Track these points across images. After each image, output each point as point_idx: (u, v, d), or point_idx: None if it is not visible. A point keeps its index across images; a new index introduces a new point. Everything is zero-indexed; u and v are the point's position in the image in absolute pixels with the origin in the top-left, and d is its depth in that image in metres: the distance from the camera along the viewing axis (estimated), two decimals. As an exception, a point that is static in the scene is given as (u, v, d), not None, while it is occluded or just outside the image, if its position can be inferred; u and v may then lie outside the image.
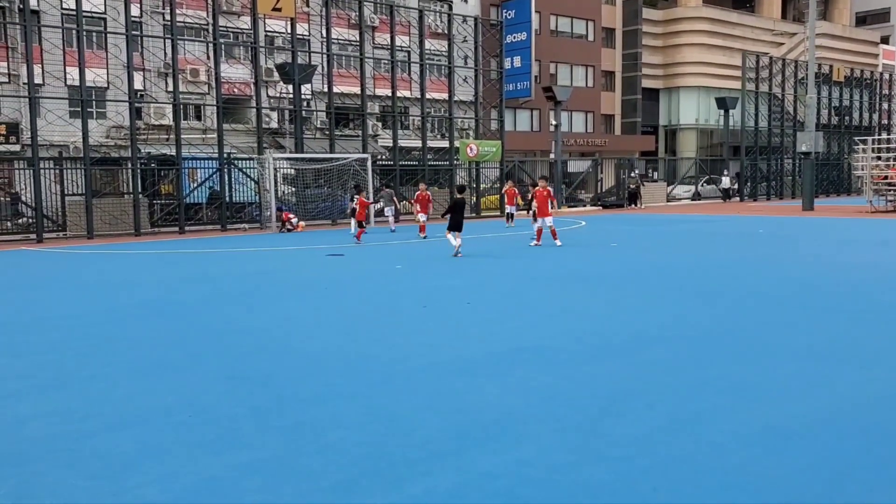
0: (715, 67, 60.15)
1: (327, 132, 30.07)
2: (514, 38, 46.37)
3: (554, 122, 36.94)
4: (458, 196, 17.89)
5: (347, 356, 7.36)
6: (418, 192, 22.97)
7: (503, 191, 27.69)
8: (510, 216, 26.82)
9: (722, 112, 45.49)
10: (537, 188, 18.67)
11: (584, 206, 39.01)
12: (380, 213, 25.54)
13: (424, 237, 21.05)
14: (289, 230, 24.96)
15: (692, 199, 44.77)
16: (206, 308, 10.46)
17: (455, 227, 16.10)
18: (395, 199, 26.35)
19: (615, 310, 9.73)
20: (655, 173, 48.14)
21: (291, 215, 25.43)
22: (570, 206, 35.05)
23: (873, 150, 30.39)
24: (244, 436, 5.15)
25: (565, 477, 4.36)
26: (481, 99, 34.17)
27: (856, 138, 34.06)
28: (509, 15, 46.53)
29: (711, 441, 4.89)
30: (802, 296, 10.47)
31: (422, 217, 21.92)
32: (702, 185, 46.23)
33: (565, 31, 53.10)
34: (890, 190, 29.85)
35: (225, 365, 7.12)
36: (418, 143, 31.73)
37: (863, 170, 30.66)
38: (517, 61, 46.76)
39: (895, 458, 4.56)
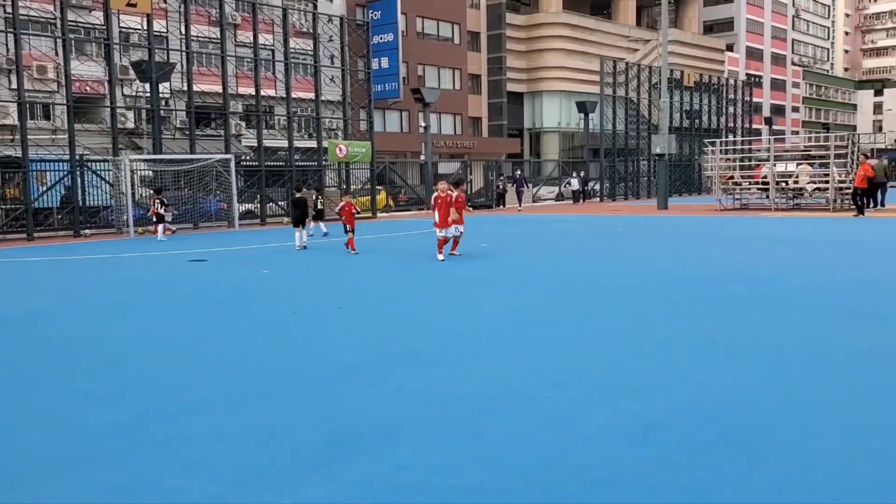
0: (575, 72, 62.40)
1: (188, 132, 28.98)
2: (382, 38, 46.39)
3: (423, 124, 37.17)
4: (297, 195, 19.62)
5: (215, 366, 7.08)
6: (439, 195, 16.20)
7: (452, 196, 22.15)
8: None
9: (582, 115, 47.16)
10: (437, 193, 15.49)
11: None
12: (161, 219, 22.87)
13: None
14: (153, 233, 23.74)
15: (556, 200, 46.18)
16: (60, 319, 9.82)
17: (297, 222, 18.58)
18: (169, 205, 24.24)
19: (485, 309, 9.86)
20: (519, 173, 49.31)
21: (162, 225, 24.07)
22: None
23: (721, 152, 32.31)
24: (105, 454, 4.84)
25: (441, 479, 4.35)
26: (349, 99, 33.92)
27: (705, 140, 36.14)
28: (375, 15, 46.51)
29: (583, 436, 5.01)
30: (661, 290, 10.96)
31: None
32: (564, 187, 47.77)
33: (431, 33, 53.64)
34: (736, 189, 31.84)
35: (82, 379, 6.69)
36: (285, 143, 31.11)
37: (712, 170, 32.54)
38: (385, 62, 46.80)
39: (753, 448, 4.81)
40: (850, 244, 17.06)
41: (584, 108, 45.51)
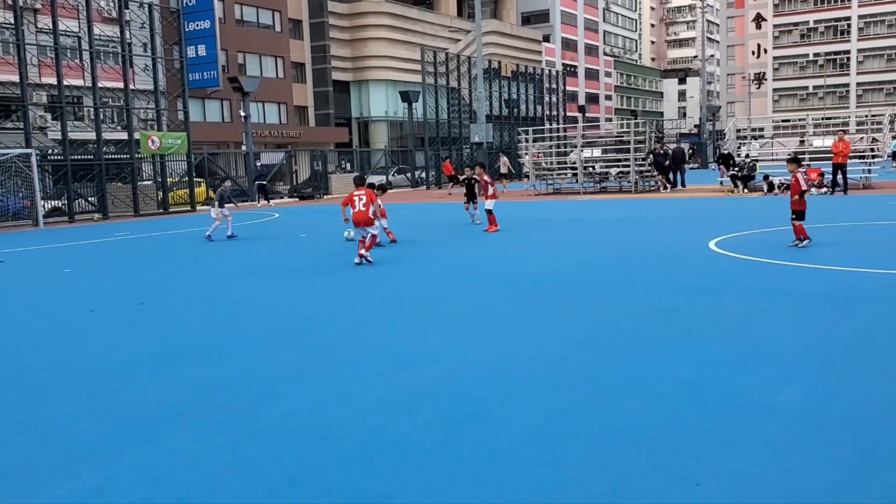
0: (399, 61, 63.00)
1: (-17, 125, 26.94)
2: (198, 25, 44.88)
3: (243, 114, 36.44)
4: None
5: (-4, 368, 6.90)
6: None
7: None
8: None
9: (407, 105, 47.82)
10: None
11: (282, 197, 38.98)
12: None
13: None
14: None
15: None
16: None
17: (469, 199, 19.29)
18: None
19: (279, 297, 10.08)
20: (349, 164, 49.38)
21: None
22: (267, 199, 34.80)
23: (534, 140, 33.90)
24: None
25: (215, 459, 4.58)
26: (164, 88, 32.69)
27: (518, 129, 37.74)
28: (190, 2, 44.89)
29: (356, 408, 5.39)
30: (459, 271, 11.59)
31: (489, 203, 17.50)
32: (392, 175, 48.35)
33: (251, 20, 52.45)
34: (550, 175, 33.55)
35: None
36: (94, 136, 29.50)
37: (526, 156, 34.11)
38: (202, 50, 45.31)
39: (505, 406, 5.37)
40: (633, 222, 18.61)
41: (407, 97, 46.15)
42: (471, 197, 19.54)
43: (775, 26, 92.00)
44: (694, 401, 5.23)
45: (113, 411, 5.53)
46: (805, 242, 12.28)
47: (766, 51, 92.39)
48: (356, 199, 12.48)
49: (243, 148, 37.59)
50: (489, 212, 17.27)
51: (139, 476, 4.37)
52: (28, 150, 25.41)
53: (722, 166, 30.27)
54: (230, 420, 5.26)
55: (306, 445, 4.72)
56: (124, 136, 30.57)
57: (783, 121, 54.78)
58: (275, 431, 5.00)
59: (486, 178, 17.95)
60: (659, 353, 6.48)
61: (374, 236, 12.62)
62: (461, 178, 17.81)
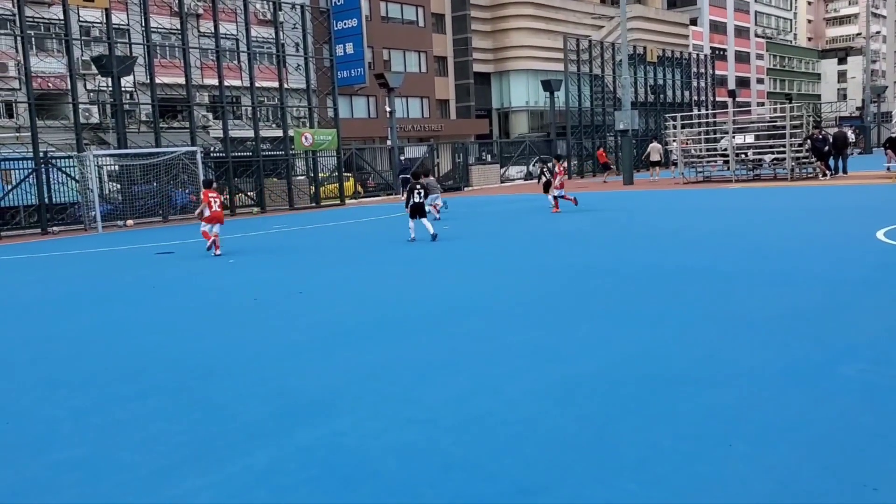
0: (541, 51, 62.66)
1: (153, 125, 29.00)
2: (345, 24, 46.37)
3: (388, 109, 37.35)
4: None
5: (170, 354, 7.42)
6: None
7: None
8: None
9: (548, 94, 47.48)
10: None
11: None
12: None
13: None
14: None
15: (525, 179, 46.57)
16: (25, 315, 10.09)
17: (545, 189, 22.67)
18: None
19: (430, 286, 10.29)
20: (489, 156, 49.63)
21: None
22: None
23: (682, 126, 32.79)
24: (63, 436, 5.19)
25: (376, 442, 4.75)
26: (315, 87, 34.02)
27: (666, 115, 36.63)
28: (338, 1, 46.44)
29: (509, 398, 5.43)
30: (607, 265, 11.41)
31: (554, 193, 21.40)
32: (533, 166, 48.14)
33: (396, 16, 53.64)
34: (700, 162, 32.37)
35: (43, 370, 7.02)
36: (252, 133, 31.19)
37: (673, 144, 33.06)
38: (349, 48, 46.81)
39: (661, 402, 5.26)
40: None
41: (549, 86, 45.78)
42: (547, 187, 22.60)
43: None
44: (866, 401, 4.93)
45: (280, 394, 5.84)
46: None
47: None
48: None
49: (388, 143, 38.56)
50: (555, 197, 21.13)
51: (307, 456, 4.60)
52: (193, 148, 27.17)
53: (889, 151, 28.21)
54: (387, 405, 5.43)
55: (461, 433, 4.81)
56: (279, 133, 32.07)
57: (960, 100, 50.18)
58: (429, 418, 5.12)
59: (557, 168, 22.05)
60: (824, 348, 6.15)
61: None
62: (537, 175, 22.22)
